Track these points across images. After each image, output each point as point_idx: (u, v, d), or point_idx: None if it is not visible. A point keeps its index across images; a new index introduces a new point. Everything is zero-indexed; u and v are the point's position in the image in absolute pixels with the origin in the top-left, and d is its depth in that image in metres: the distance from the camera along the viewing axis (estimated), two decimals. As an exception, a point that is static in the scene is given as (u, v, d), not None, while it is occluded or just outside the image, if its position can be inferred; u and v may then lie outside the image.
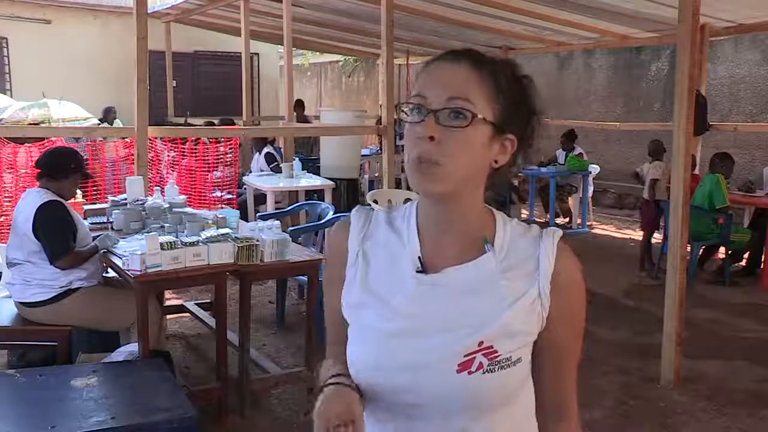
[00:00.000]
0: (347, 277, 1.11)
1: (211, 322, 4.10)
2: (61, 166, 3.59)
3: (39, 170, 3.63)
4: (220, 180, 7.39)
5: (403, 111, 1.03)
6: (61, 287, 3.46)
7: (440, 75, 1.03)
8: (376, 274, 1.09)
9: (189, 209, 4.21)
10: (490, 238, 1.06)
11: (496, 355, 1.01)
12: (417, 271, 1.06)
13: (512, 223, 1.10)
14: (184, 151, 7.36)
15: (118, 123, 10.05)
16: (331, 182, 6.91)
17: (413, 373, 1.02)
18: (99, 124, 9.46)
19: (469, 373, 1.00)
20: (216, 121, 9.74)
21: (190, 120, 11.45)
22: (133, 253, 3.14)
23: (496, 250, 1.06)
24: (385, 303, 1.06)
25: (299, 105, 10.42)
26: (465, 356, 1.01)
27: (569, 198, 8.64)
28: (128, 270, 3.14)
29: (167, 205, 4.01)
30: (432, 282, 1.05)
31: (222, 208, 5.84)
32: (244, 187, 7.37)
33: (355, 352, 1.08)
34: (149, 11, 5.55)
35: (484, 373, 1.00)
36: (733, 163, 6.26)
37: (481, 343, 1.01)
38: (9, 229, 3.71)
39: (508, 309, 1.02)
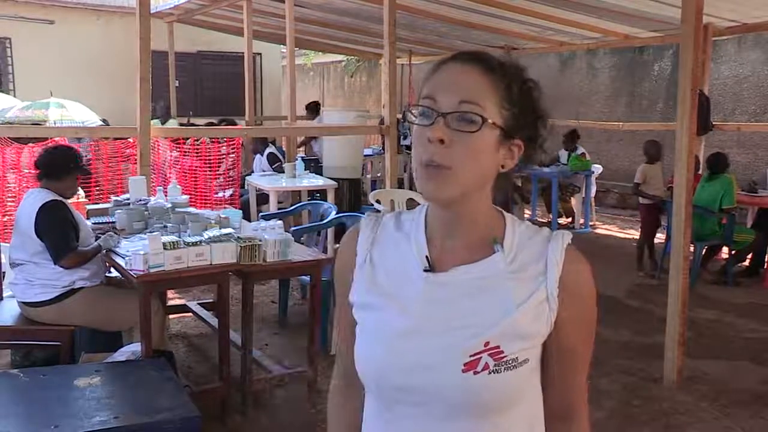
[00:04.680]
0: (355, 279, 1.12)
1: (214, 322, 4.10)
2: (61, 165, 3.59)
3: (39, 170, 3.63)
4: (223, 182, 7.38)
5: (411, 114, 1.03)
6: (64, 287, 3.46)
7: (450, 78, 1.02)
8: (383, 275, 1.09)
9: (192, 209, 4.21)
10: (499, 239, 1.06)
11: (502, 355, 1.00)
12: (424, 270, 1.06)
13: (522, 225, 1.09)
14: (186, 151, 7.37)
15: (172, 123, 9.51)
16: (333, 182, 6.90)
17: (419, 372, 1.02)
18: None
19: (475, 373, 1.00)
20: (215, 121, 9.69)
21: (192, 120, 11.45)
22: (136, 252, 3.14)
23: (505, 251, 1.05)
24: (393, 302, 1.06)
25: (313, 108, 9.98)
26: (471, 356, 1.00)
27: (572, 198, 8.62)
28: (131, 270, 3.14)
29: (170, 205, 4.02)
30: (440, 281, 1.05)
31: (225, 208, 5.85)
32: (247, 187, 7.38)
33: (362, 350, 1.08)
34: (152, 11, 5.54)
35: (489, 373, 1.00)
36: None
37: (487, 343, 1.00)
38: (12, 230, 3.72)
39: (515, 310, 1.02)
